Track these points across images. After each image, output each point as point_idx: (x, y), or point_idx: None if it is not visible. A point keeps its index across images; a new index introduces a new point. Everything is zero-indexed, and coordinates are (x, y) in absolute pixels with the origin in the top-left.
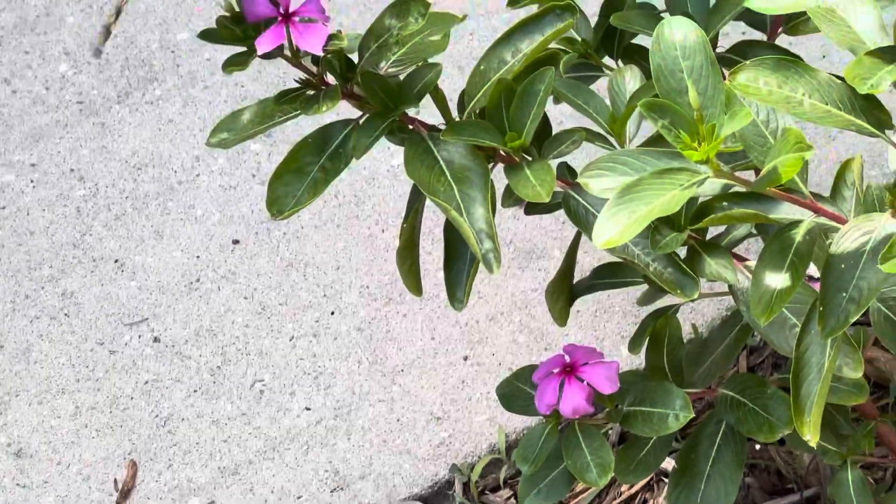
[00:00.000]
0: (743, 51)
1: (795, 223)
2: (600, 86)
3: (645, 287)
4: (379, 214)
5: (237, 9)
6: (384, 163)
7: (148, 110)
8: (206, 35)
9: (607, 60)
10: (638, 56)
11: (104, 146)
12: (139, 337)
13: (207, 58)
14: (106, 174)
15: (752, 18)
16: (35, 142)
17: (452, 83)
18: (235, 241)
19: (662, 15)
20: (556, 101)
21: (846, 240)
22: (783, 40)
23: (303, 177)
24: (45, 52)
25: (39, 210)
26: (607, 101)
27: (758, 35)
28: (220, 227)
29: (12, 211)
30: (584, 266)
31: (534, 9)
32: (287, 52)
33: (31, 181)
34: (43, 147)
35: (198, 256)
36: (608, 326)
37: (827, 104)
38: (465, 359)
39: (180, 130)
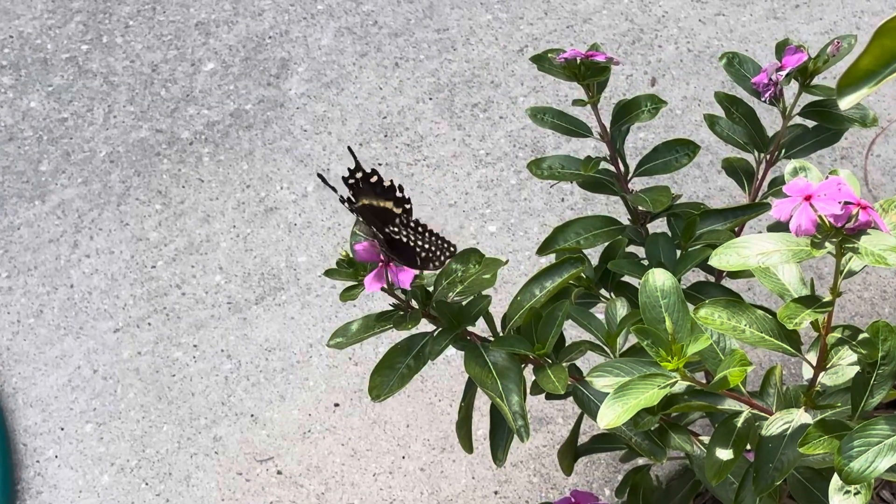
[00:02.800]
0: (699, 288)
1: (737, 413)
2: (598, 310)
3: (626, 450)
4: (437, 389)
5: (351, 255)
6: (441, 354)
7: (276, 310)
8: (330, 273)
9: (603, 292)
10: (626, 290)
11: (245, 334)
12: (267, 470)
13: (319, 275)
14: (246, 354)
15: (706, 265)
16: (197, 329)
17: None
18: (336, 405)
19: (643, 262)
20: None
21: (773, 426)
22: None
23: (394, 372)
24: (205, 267)
25: (199, 378)
26: (602, 320)
27: (708, 276)
28: (326, 394)
29: (180, 378)
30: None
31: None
32: (385, 286)
33: (194, 357)
34: (202, 333)
35: (309, 414)
36: (595, 474)
37: (762, 332)
38: (496, 493)
39: (299, 325)
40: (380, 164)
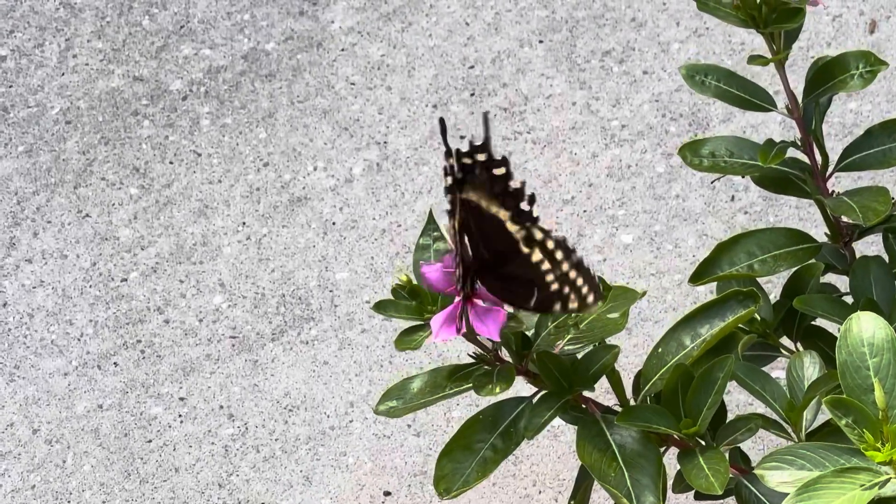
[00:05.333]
0: None
1: None
2: (775, 366)
3: None
4: (536, 475)
5: (414, 280)
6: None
7: (303, 350)
8: (382, 307)
9: (786, 341)
10: (817, 338)
11: (256, 384)
12: None
13: (366, 300)
14: (256, 413)
15: None
16: (185, 375)
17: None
18: (387, 493)
19: (845, 299)
20: None
21: None
22: None
23: (472, 454)
24: (200, 283)
25: (186, 446)
26: (782, 384)
27: None
28: (372, 478)
29: (158, 445)
30: None
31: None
32: (464, 331)
33: (180, 416)
34: (193, 381)
35: None
36: None
37: None
38: None
39: (335, 374)
40: (462, 137)
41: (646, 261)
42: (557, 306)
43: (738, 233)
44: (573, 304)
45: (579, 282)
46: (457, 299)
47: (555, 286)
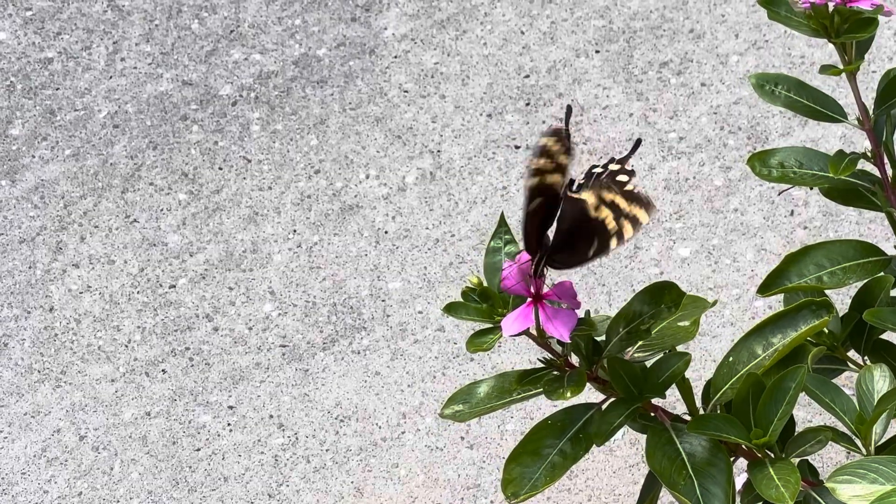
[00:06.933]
0: None
1: None
2: (843, 380)
3: None
4: (592, 490)
5: (484, 283)
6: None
7: (354, 360)
8: (453, 309)
9: (853, 354)
10: (885, 352)
11: (306, 394)
12: None
13: (419, 310)
14: (307, 424)
15: None
16: (234, 383)
17: None
18: None
19: None
20: None
21: None
22: None
23: (540, 459)
24: (250, 291)
25: (235, 455)
26: (851, 396)
27: None
28: (424, 490)
29: (207, 453)
30: None
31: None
32: (534, 330)
33: (229, 424)
34: (242, 389)
35: None
36: None
37: None
38: None
39: (387, 384)
40: (517, 147)
41: (703, 275)
42: (614, 242)
43: (808, 244)
44: (628, 234)
45: (632, 209)
46: (528, 301)
47: (612, 225)
